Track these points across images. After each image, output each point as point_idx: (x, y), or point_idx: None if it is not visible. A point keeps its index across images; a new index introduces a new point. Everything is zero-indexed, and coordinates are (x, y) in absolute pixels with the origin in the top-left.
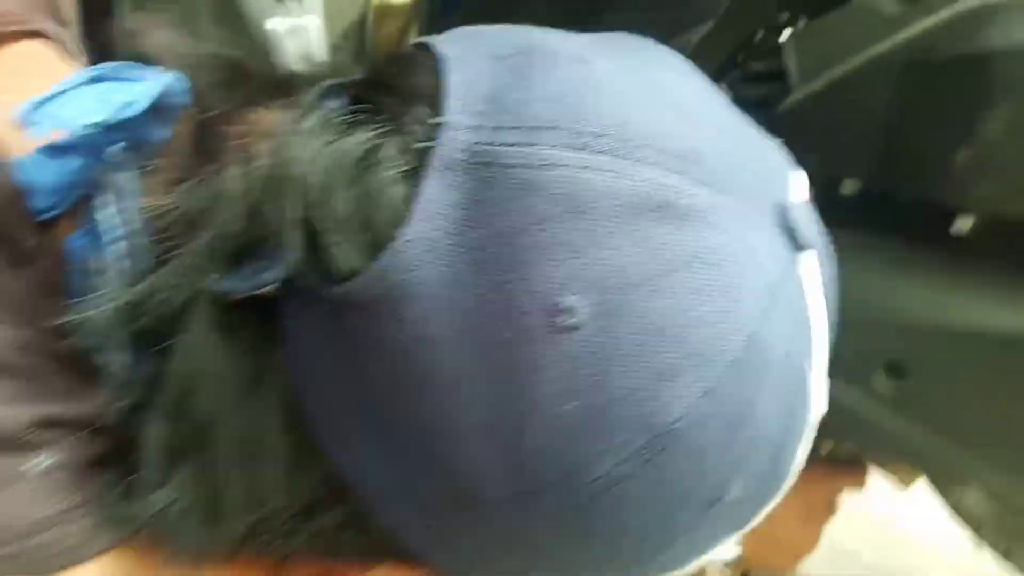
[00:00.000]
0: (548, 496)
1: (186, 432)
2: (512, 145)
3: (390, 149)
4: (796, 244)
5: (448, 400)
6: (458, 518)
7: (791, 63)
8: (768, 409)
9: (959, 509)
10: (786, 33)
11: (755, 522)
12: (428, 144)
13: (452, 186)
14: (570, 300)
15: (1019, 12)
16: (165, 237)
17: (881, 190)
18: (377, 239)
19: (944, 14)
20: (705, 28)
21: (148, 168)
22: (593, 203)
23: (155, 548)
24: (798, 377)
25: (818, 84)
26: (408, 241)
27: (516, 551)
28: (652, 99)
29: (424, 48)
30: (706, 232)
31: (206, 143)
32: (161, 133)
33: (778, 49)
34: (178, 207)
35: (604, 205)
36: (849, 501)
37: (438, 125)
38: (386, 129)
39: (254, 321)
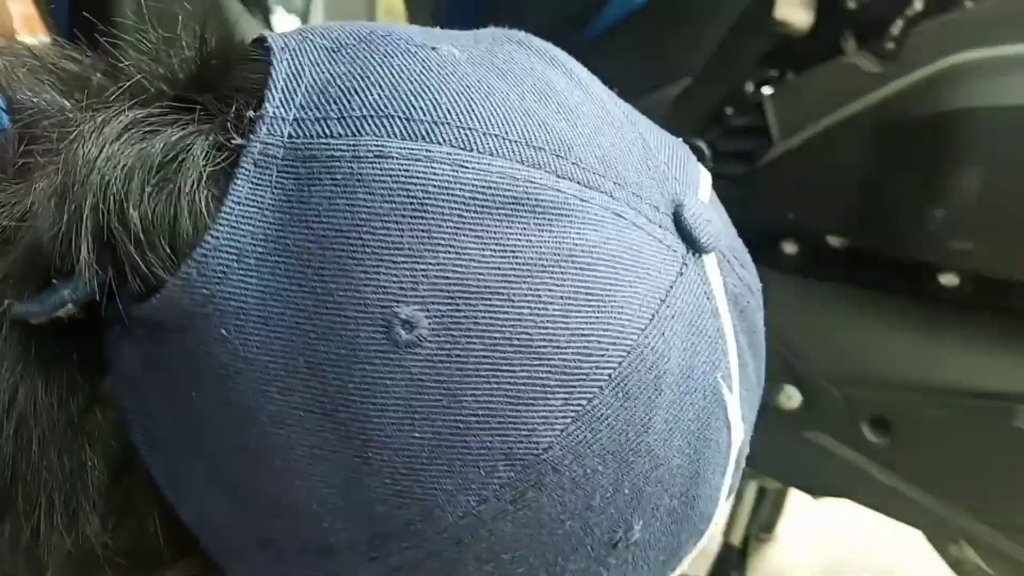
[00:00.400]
0: (405, 541)
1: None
2: (336, 137)
3: (200, 148)
4: (696, 247)
5: (276, 431)
6: (313, 568)
7: (772, 118)
8: (667, 433)
9: (955, 564)
10: (767, 89)
11: (683, 565)
12: (241, 141)
13: (266, 185)
14: (407, 311)
15: (990, 71)
16: None
17: (867, 247)
18: (180, 249)
19: (920, 72)
20: (684, 83)
21: None
22: (430, 199)
23: None
24: (708, 397)
25: (796, 140)
26: (212, 250)
27: None
28: (510, 87)
29: (260, 42)
30: (572, 230)
31: (28, 162)
32: None
33: (759, 104)
34: None
35: (443, 201)
36: None
37: (255, 119)
38: (199, 128)
39: (75, 349)
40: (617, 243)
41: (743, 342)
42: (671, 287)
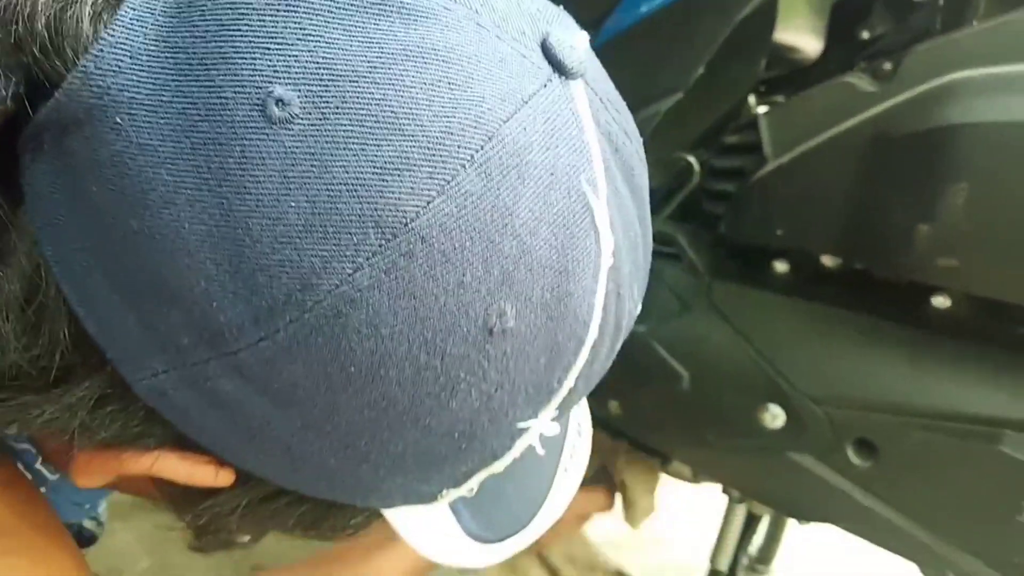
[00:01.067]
0: (288, 313)
1: None
2: None
3: None
4: (562, 70)
5: (166, 210)
6: (208, 366)
7: (765, 136)
8: (532, 221)
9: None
10: (762, 108)
11: (565, 386)
12: None
13: None
14: (280, 91)
15: (986, 89)
16: None
17: (857, 266)
18: (81, 51)
19: (916, 89)
20: (674, 98)
21: None
22: None
23: None
24: (572, 197)
25: (786, 158)
26: (109, 47)
27: (281, 403)
28: None
29: None
30: (438, 31)
31: None
32: None
33: (753, 123)
34: None
35: None
36: None
37: None
38: None
39: None
40: (478, 47)
41: (616, 171)
42: (534, 94)
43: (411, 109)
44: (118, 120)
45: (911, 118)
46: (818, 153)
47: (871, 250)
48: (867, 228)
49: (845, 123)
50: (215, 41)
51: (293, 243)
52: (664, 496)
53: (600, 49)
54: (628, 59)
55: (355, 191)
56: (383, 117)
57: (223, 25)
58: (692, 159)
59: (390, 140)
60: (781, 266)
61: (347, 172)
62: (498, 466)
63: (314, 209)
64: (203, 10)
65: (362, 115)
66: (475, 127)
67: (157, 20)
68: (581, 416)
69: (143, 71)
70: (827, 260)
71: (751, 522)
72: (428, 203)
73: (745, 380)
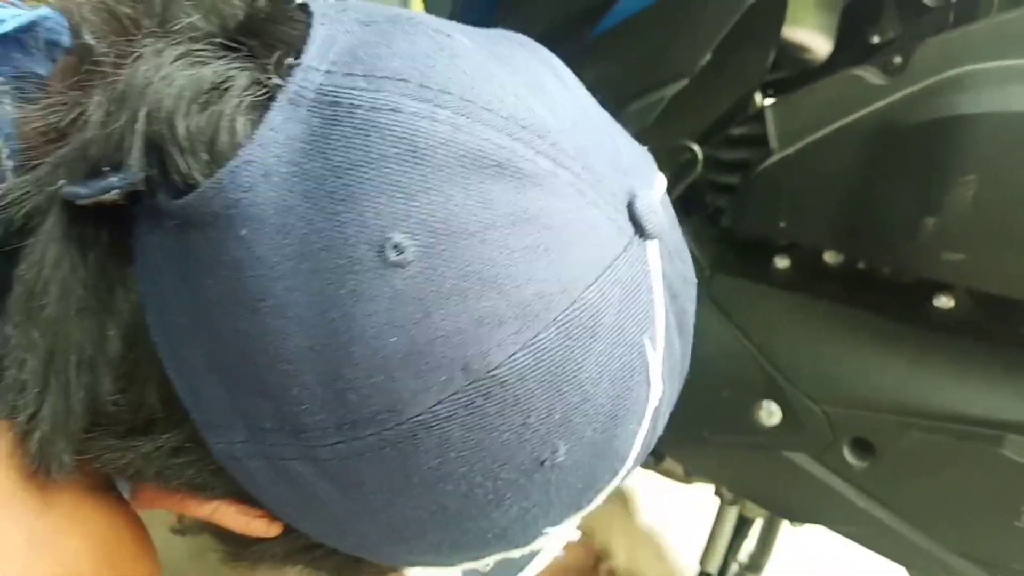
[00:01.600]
0: (370, 428)
1: (33, 336)
2: (360, 90)
3: (243, 81)
4: (642, 232)
5: (276, 320)
6: (285, 449)
7: (771, 129)
8: (596, 374)
9: None
10: (768, 100)
11: (593, 504)
12: (280, 81)
13: (296, 120)
14: (399, 237)
15: (996, 80)
16: (30, 148)
17: (860, 261)
18: (217, 159)
19: (926, 81)
20: (680, 84)
21: (27, 96)
22: (429, 150)
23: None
24: (633, 352)
25: (792, 149)
26: (245, 163)
27: (345, 492)
28: (507, 76)
29: (303, 7)
30: (541, 197)
31: (86, 78)
32: (43, 67)
33: (759, 115)
34: (44, 120)
35: (440, 154)
36: None
37: (293, 66)
38: (243, 65)
39: (108, 236)
40: (576, 214)
41: (672, 321)
42: (616, 258)
43: (510, 270)
44: (243, 232)
45: (919, 109)
46: (824, 144)
47: (875, 243)
48: (872, 221)
49: (852, 115)
50: (345, 178)
51: (388, 373)
52: (655, 498)
53: (606, 35)
54: (635, 43)
55: (451, 337)
56: (486, 274)
57: (354, 165)
58: (696, 148)
59: (488, 296)
60: (782, 262)
61: (446, 319)
62: (515, 554)
63: (412, 347)
64: (337, 145)
65: (468, 270)
66: (563, 293)
67: (291, 144)
68: None
69: (274, 192)
70: (829, 257)
71: (743, 526)
72: (511, 355)
73: (742, 376)
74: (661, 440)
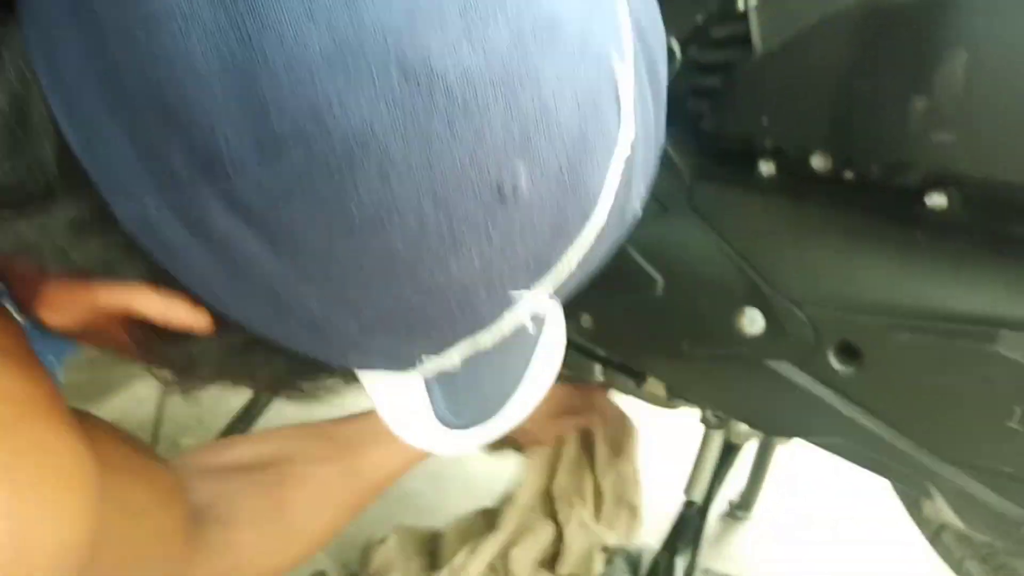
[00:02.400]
0: (295, 149)
1: None
2: None
3: None
4: None
5: (182, 33)
6: (201, 196)
7: (755, 28)
8: (559, 86)
9: (933, 538)
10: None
11: (564, 264)
12: None
13: None
14: None
15: None
16: None
17: (848, 162)
18: None
19: None
20: None
21: None
22: None
23: None
24: (600, 67)
25: (776, 44)
26: None
27: (275, 245)
28: None
29: None
30: None
31: None
32: None
33: (744, 15)
34: None
35: None
36: None
37: None
38: None
39: None
40: None
41: (642, 62)
42: None
43: None
44: None
45: None
46: (809, 36)
47: (863, 134)
48: (859, 109)
49: (838, 2)
50: None
51: (310, 75)
52: (641, 428)
53: None
54: None
55: (382, 31)
56: None
57: None
58: (675, 43)
59: None
60: (767, 168)
61: (376, 10)
62: (485, 339)
63: (336, 45)
64: None
65: None
66: None
67: None
68: (555, 322)
69: None
70: (816, 162)
71: (729, 453)
72: (456, 51)
73: (723, 283)
74: (640, 356)
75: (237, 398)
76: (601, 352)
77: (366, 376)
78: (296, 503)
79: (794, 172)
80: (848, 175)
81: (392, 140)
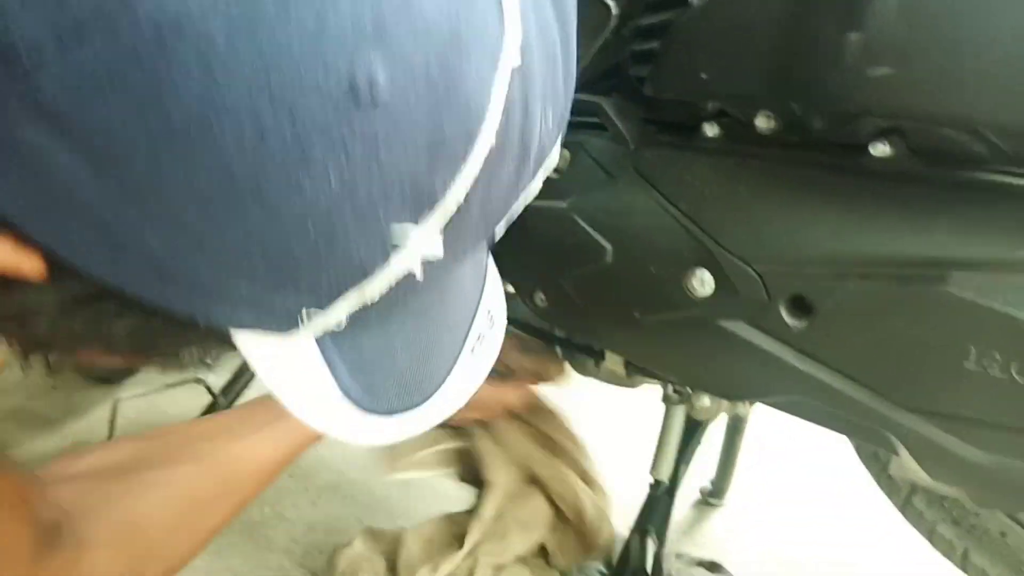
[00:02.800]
0: (98, 35)
1: None
2: None
3: None
4: None
5: None
6: (7, 108)
7: None
8: None
9: (905, 505)
10: None
11: (451, 194)
12: None
13: None
14: None
15: None
16: None
17: (792, 120)
18: None
19: None
20: None
21: None
22: None
23: None
24: None
25: None
26: None
27: (92, 162)
28: None
29: None
30: None
31: None
32: None
33: None
34: None
35: None
36: None
37: None
38: None
39: None
40: None
41: None
42: None
43: None
44: None
45: None
46: None
47: (800, 78)
48: (795, 52)
49: None
50: None
51: None
52: (606, 412)
53: None
54: None
55: None
56: None
57: None
58: (611, 2)
59: None
60: (712, 129)
61: None
62: (371, 289)
63: None
64: None
65: None
66: None
67: None
68: (493, 303)
69: None
70: (761, 123)
71: (693, 431)
72: None
73: (671, 246)
74: (595, 329)
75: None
76: (559, 332)
77: (242, 338)
78: (153, 516)
79: (739, 134)
80: (792, 136)
81: (212, 22)
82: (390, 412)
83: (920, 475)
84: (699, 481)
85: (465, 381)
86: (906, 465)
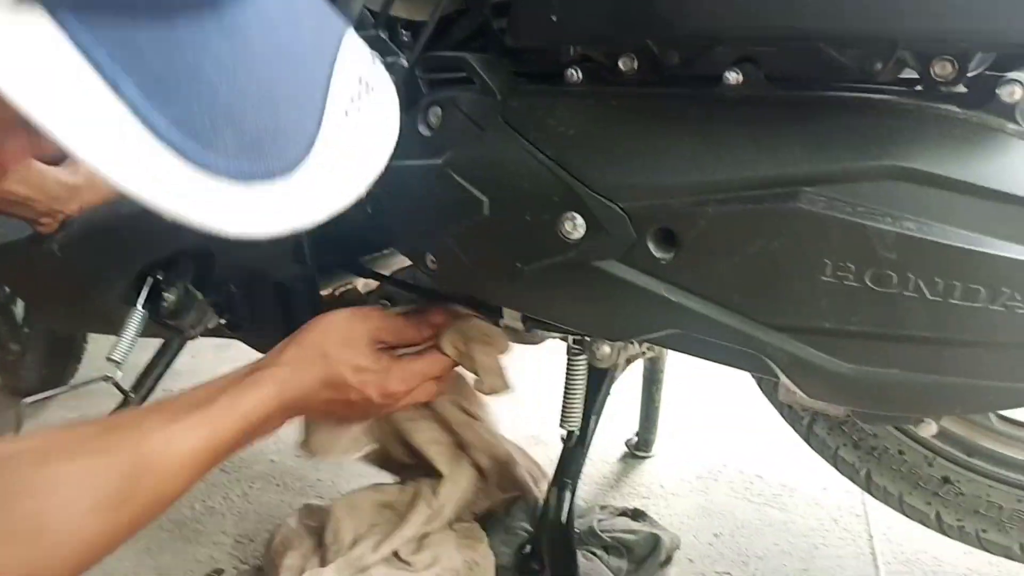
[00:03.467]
0: None
1: None
2: None
3: None
4: None
5: None
6: None
7: None
8: None
9: (808, 435)
10: None
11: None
12: None
13: None
14: None
15: None
16: None
17: (652, 58)
18: None
19: None
20: None
21: None
22: None
23: None
24: None
25: None
26: None
27: None
28: None
29: None
30: None
31: None
32: None
33: None
34: None
35: None
36: None
37: None
38: None
39: None
40: None
41: None
42: None
43: None
44: None
45: None
46: None
47: (638, 7)
48: None
49: None
50: None
51: None
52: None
53: None
54: None
55: None
56: None
57: None
58: None
59: None
60: (573, 74)
61: None
62: None
63: None
64: None
65: None
66: None
67: None
68: (365, 71)
69: None
70: (624, 64)
71: (600, 381)
72: None
73: (542, 192)
74: (460, 284)
75: None
76: (451, 292)
77: None
78: (58, 512)
79: (600, 76)
80: (652, 75)
81: None
82: (241, 176)
83: (799, 395)
84: (624, 432)
85: (347, 154)
86: (786, 386)
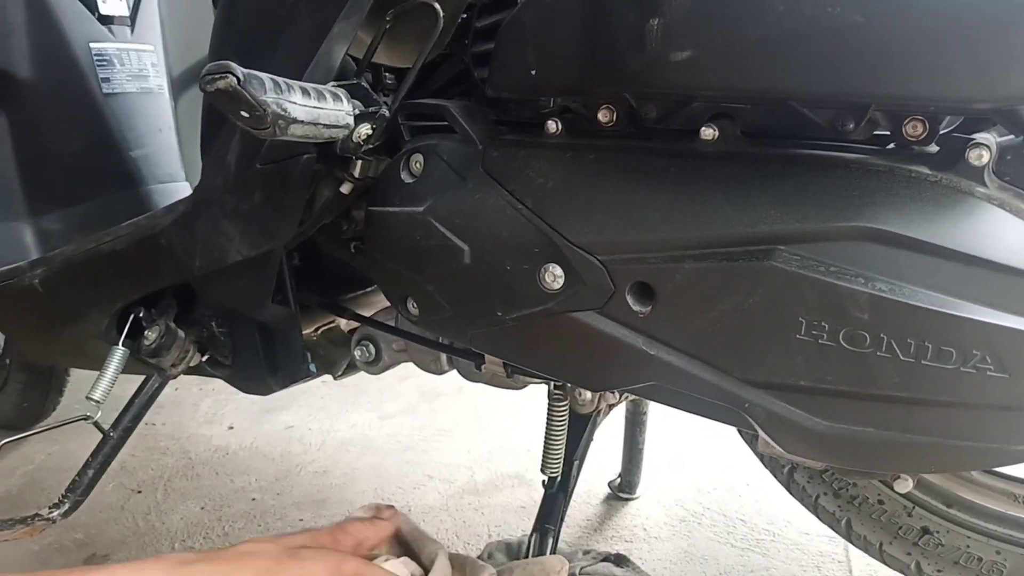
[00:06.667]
0: None
1: None
2: None
3: None
4: None
5: None
6: None
7: None
8: None
9: (769, 461)
10: None
11: None
12: None
13: None
14: None
15: None
16: None
17: (629, 111)
18: None
19: None
20: None
21: None
22: None
23: None
24: None
25: None
26: None
27: None
28: None
29: None
30: None
31: None
32: None
33: None
34: None
35: None
36: None
37: None
38: None
39: None
40: None
41: None
42: None
43: None
44: None
45: None
46: None
47: (612, 64)
48: (603, 39)
49: None
50: None
51: None
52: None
53: None
54: None
55: None
56: None
57: None
58: (437, 6)
59: None
60: (553, 125)
61: None
62: None
63: None
64: None
65: None
66: None
67: None
68: None
69: None
70: (602, 116)
71: (582, 426)
72: None
73: (522, 242)
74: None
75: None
76: (435, 337)
77: None
78: None
79: (580, 128)
80: (629, 127)
81: None
82: None
83: (778, 449)
84: (607, 475)
85: None
86: (764, 440)
